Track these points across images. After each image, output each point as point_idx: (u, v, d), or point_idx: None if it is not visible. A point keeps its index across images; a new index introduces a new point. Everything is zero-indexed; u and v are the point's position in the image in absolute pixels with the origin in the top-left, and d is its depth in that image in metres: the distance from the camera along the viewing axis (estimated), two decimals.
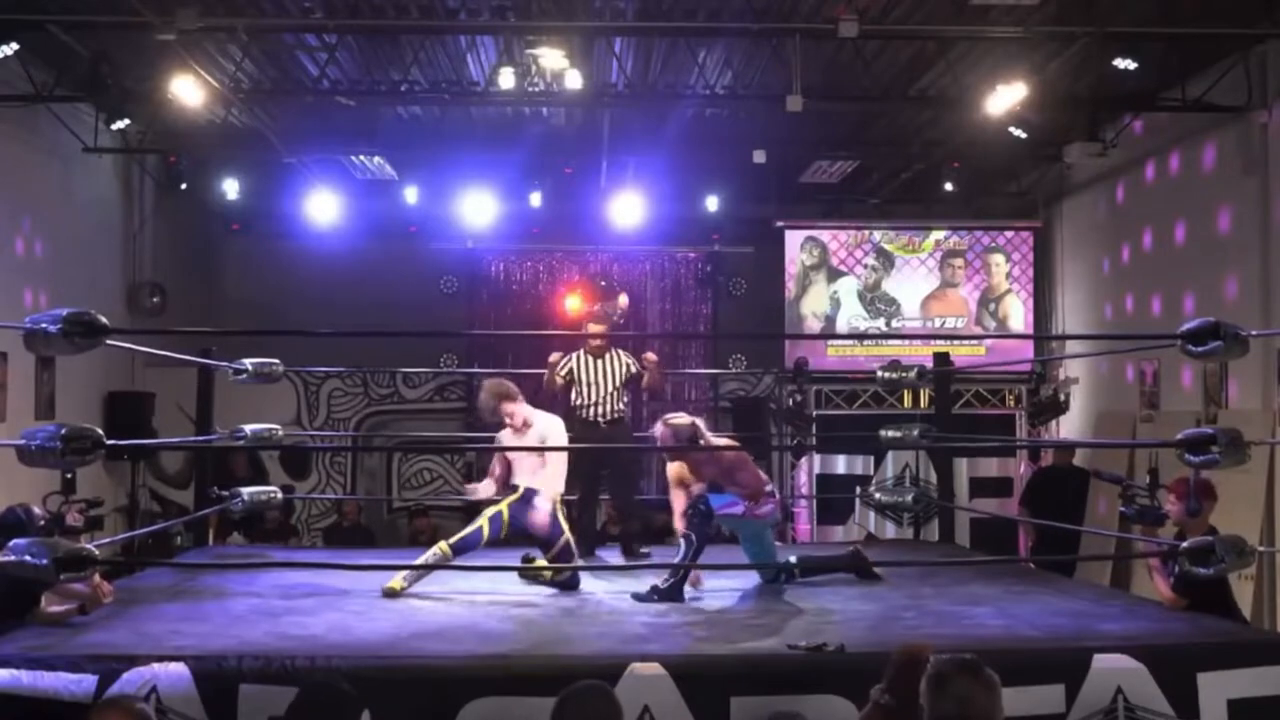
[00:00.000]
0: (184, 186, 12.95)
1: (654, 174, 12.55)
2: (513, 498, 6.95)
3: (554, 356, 8.23)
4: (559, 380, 8.16)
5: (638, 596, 6.32)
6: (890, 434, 8.90)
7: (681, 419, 6.90)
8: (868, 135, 12.23)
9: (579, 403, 8.11)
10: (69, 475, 6.68)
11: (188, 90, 9.05)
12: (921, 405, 12.72)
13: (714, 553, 7.00)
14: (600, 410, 8.07)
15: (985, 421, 12.82)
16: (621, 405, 8.18)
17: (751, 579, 6.90)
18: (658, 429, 6.89)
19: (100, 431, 5.04)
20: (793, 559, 6.99)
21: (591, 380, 8.09)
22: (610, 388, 8.09)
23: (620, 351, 8.28)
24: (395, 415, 13.40)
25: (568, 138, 12.19)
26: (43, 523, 5.61)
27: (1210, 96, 9.60)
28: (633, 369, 8.19)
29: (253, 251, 13.86)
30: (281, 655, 4.62)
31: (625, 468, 8.41)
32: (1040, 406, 12.79)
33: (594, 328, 8.38)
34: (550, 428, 7.16)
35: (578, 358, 8.18)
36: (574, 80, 9.40)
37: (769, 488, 6.83)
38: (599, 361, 8.13)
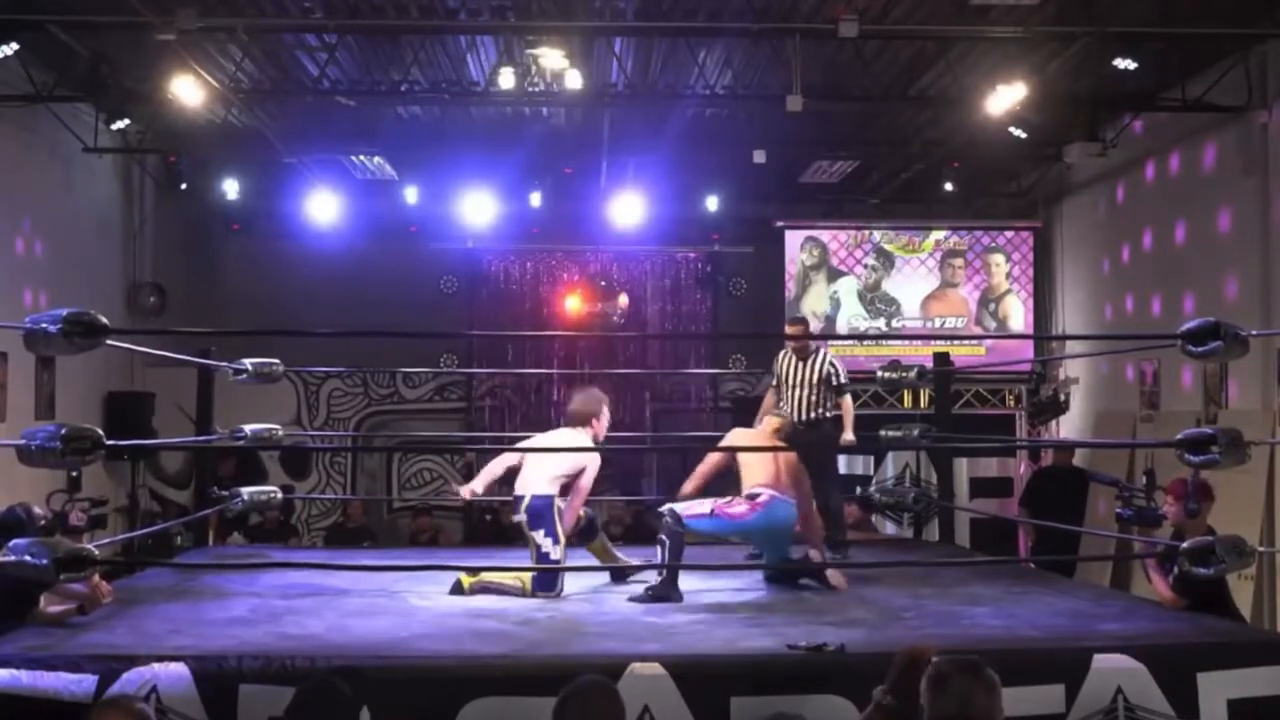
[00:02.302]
0: (184, 186, 12.95)
1: (654, 174, 12.54)
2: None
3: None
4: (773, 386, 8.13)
5: (633, 598, 6.35)
6: (890, 434, 8.90)
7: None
8: (868, 135, 12.22)
9: (781, 405, 7.93)
10: (74, 474, 6.69)
11: (188, 90, 9.04)
12: (921, 405, 12.72)
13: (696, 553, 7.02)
14: (797, 412, 7.83)
15: (985, 421, 12.81)
16: (821, 408, 7.85)
17: (750, 579, 6.92)
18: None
19: (100, 431, 5.04)
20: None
21: (790, 382, 7.93)
22: (806, 389, 7.85)
23: (827, 353, 8.02)
24: (395, 415, 13.41)
25: (568, 138, 12.19)
26: (43, 522, 5.61)
27: (1210, 96, 9.60)
28: (835, 377, 7.88)
29: (253, 251, 13.85)
30: (281, 655, 4.61)
31: (819, 468, 7.75)
32: (1040, 406, 12.79)
33: (790, 329, 8.37)
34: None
35: (781, 359, 8.02)
36: (574, 80, 9.39)
37: (750, 490, 6.74)
38: (801, 363, 7.91)
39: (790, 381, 7.90)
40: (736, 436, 7.54)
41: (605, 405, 7.01)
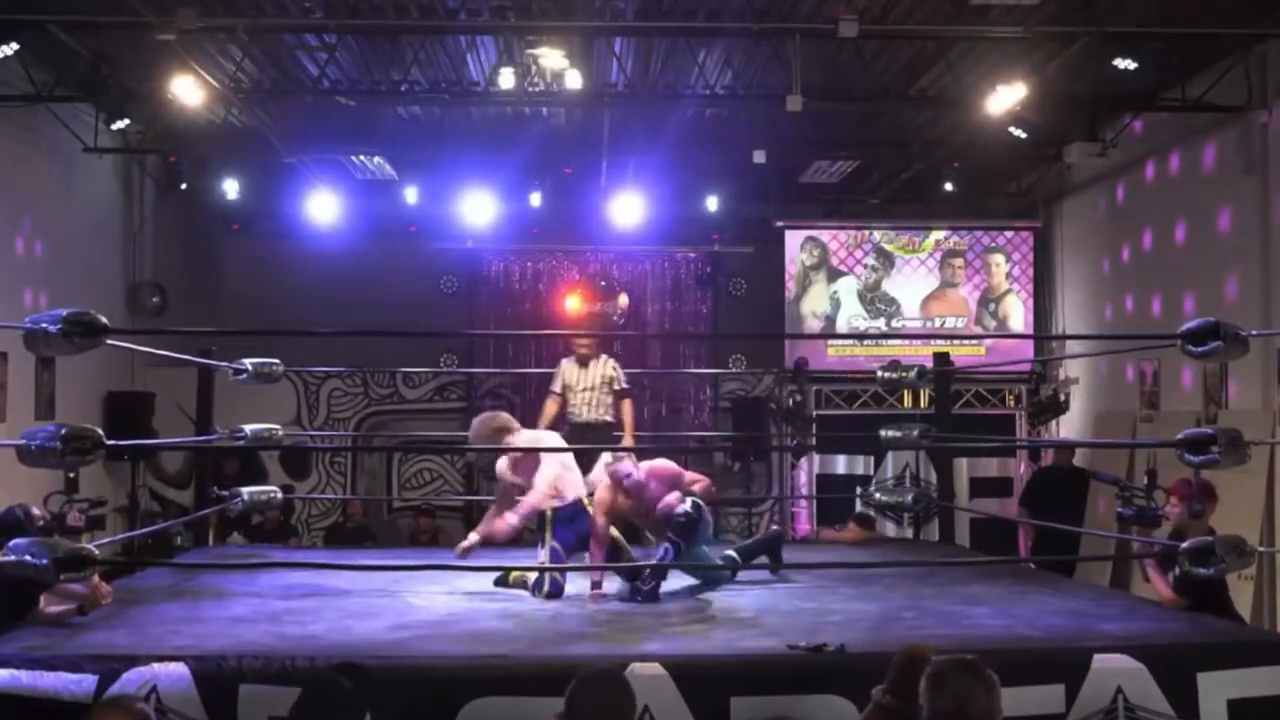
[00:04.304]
0: (184, 186, 12.95)
1: (654, 174, 12.54)
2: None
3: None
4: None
5: (620, 597, 6.39)
6: (890, 434, 8.89)
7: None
8: (868, 135, 12.23)
9: (569, 410, 8.83)
10: (71, 475, 6.69)
11: (188, 90, 9.05)
12: (921, 405, 12.72)
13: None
14: (579, 413, 8.81)
15: (985, 421, 12.82)
16: (600, 409, 8.76)
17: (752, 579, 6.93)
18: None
19: (100, 431, 5.04)
20: (730, 552, 7.06)
21: (575, 387, 8.84)
22: (587, 392, 8.76)
23: (608, 359, 8.84)
24: (395, 415, 13.40)
25: (568, 138, 12.19)
26: (42, 523, 5.61)
27: (1210, 96, 9.60)
28: (616, 381, 8.69)
29: (253, 251, 13.85)
30: (281, 655, 4.61)
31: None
32: (1040, 406, 12.79)
33: (581, 341, 9.20)
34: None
35: (565, 367, 8.87)
36: (574, 80, 9.40)
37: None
38: (582, 370, 8.82)
39: (575, 386, 8.80)
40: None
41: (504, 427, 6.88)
